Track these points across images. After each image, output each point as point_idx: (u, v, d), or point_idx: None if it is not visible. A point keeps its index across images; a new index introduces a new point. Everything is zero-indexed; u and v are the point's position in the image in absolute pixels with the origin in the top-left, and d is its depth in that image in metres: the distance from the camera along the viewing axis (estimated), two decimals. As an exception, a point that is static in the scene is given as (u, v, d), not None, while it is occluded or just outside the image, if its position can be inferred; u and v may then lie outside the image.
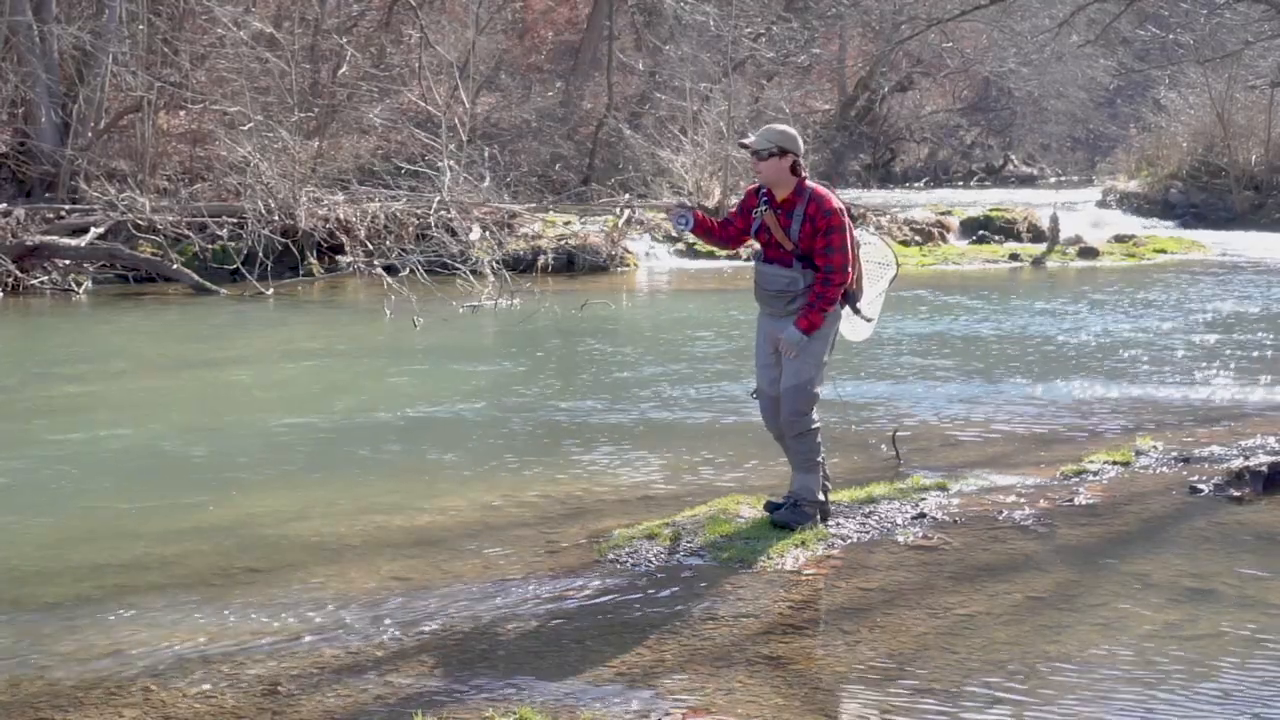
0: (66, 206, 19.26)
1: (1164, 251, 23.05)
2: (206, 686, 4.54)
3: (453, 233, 18.67)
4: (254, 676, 4.61)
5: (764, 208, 6.08)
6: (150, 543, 6.43)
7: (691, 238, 6.42)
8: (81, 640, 5.05)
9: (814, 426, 6.09)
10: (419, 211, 19.29)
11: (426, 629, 5.07)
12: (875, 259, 6.44)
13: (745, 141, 6.16)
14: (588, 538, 6.27)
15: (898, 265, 6.58)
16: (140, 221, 18.33)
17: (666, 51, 30.33)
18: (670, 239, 21.18)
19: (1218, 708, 4.24)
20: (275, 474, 7.96)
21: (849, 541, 5.98)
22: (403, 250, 18.10)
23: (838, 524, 6.17)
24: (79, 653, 4.91)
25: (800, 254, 5.98)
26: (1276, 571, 5.56)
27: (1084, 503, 6.57)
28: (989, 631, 4.88)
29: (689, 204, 6.54)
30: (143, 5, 20.86)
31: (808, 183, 6.05)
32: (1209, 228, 26.56)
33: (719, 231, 6.35)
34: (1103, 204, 30.98)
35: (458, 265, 17.25)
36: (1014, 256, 22.30)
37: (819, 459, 6.12)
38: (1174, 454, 7.66)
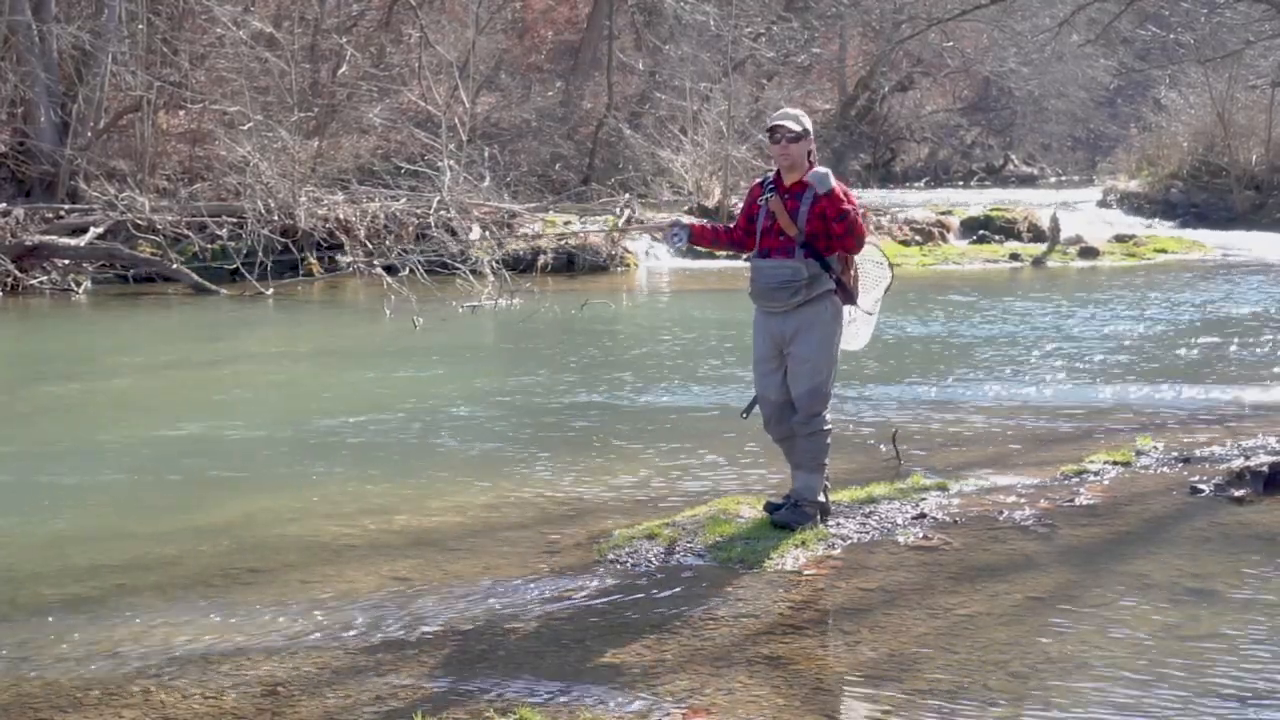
0: (66, 206, 19.27)
1: (1165, 251, 23.05)
2: (206, 686, 4.53)
3: (453, 233, 18.68)
4: (254, 676, 4.61)
5: (770, 194, 6.05)
6: (150, 543, 6.43)
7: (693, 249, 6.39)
8: (81, 640, 5.04)
9: (827, 427, 6.10)
10: (419, 211, 19.30)
11: (426, 629, 5.06)
12: (872, 259, 6.42)
13: (785, 123, 5.93)
14: (588, 538, 6.26)
15: (892, 267, 6.57)
16: (140, 221, 18.35)
17: (666, 51, 30.34)
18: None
19: (1218, 708, 4.23)
20: (275, 474, 7.96)
21: (849, 541, 5.97)
22: (403, 250, 18.11)
23: (838, 524, 6.16)
24: (78, 653, 4.91)
25: (804, 241, 5.95)
26: (1277, 572, 5.55)
27: (1084, 503, 6.56)
28: (989, 632, 4.87)
29: (683, 220, 6.48)
30: (142, 5, 20.86)
31: (817, 167, 6.06)
32: (1210, 227, 26.54)
33: (725, 236, 6.33)
34: (1103, 204, 30.97)
35: (458, 265, 17.26)
36: (1014, 256, 22.31)
37: (825, 460, 6.12)
38: (1174, 454, 7.65)
